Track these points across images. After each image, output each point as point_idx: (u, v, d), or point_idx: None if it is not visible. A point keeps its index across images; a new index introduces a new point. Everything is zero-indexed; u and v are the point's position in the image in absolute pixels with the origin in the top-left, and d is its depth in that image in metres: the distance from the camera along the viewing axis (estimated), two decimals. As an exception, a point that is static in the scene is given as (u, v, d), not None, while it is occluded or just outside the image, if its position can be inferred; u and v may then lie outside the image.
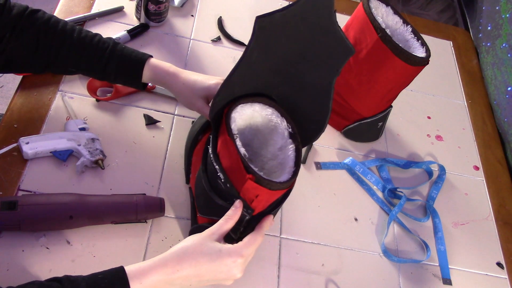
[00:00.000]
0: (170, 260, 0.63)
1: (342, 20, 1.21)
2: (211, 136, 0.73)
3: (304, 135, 0.72)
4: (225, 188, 0.68)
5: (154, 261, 0.62)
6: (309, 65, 0.70)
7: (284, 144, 0.71)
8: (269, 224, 0.70)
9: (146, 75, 0.83)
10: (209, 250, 0.64)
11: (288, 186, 0.67)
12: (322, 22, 0.66)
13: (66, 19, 0.99)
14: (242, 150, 0.65)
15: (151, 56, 0.84)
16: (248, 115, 0.72)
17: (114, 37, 1.01)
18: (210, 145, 0.71)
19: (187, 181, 0.86)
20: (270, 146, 0.73)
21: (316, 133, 0.74)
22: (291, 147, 0.70)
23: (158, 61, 0.84)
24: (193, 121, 0.93)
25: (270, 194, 0.66)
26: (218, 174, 0.68)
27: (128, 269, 0.61)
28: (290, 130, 0.71)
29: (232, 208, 0.67)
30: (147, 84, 0.87)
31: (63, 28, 0.80)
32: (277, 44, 0.67)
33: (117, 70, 0.83)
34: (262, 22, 0.63)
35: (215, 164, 0.69)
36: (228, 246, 0.65)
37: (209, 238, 0.65)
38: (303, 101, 0.73)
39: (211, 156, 0.70)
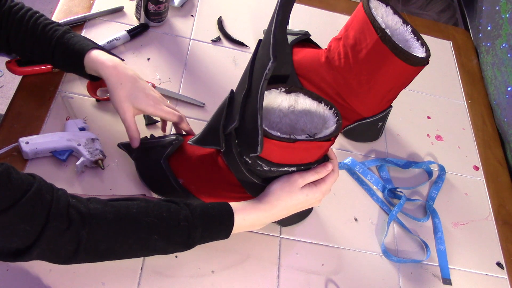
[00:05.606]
0: (269, 204, 0.73)
1: (342, 20, 1.21)
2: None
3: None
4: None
5: (254, 203, 0.74)
6: None
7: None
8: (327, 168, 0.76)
9: (88, 67, 0.82)
10: (298, 200, 0.75)
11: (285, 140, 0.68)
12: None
13: (65, 19, 1.00)
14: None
15: (99, 48, 0.83)
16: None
17: (114, 37, 1.01)
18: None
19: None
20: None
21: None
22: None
23: (100, 53, 0.82)
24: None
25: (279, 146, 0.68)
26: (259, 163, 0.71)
27: (233, 205, 0.72)
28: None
29: (324, 167, 0.75)
30: (98, 77, 0.84)
31: (22, 15, 0.82)
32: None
33: (63, 59, 0.83)
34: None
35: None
36: (311, 193, 0.75)
37: (298, 187, 0.74)
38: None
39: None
